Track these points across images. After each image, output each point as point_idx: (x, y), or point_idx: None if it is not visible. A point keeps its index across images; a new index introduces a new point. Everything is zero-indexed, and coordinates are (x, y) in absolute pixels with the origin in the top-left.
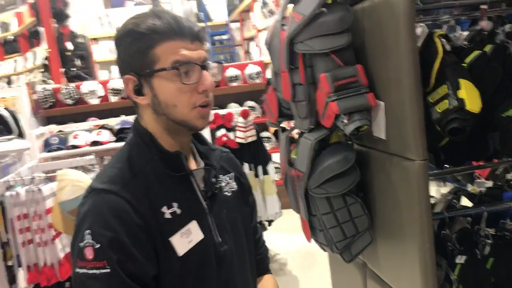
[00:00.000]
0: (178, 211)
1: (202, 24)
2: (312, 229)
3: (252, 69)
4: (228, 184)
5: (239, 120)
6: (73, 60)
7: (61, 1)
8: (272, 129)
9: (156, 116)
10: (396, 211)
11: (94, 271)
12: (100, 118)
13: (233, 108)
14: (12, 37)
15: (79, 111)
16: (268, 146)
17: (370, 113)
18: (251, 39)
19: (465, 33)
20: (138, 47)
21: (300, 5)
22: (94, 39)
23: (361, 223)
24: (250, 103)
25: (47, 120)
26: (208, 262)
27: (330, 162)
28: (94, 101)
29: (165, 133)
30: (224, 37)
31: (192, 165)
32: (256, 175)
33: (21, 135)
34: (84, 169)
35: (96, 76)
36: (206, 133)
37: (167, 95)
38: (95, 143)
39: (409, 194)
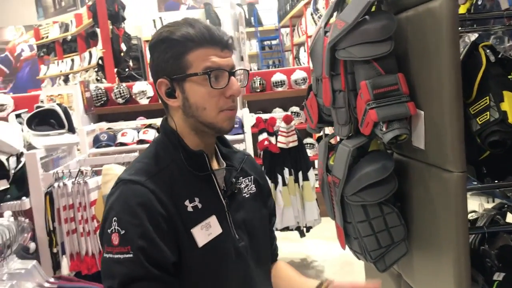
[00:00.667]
0: (199, 205)
1: (252, 29)
2: (347, 237)
3: (298, 74)
4: (247, 186)
5: (281, 125)
6: (126, 61)
7: (118, 4)
8: (316, 135)
9: (185, 118)
10: (432, 223)
11: (119, 255)
12: (148, 118)
13: (277, 113)
14: (70, 37)
15: (129, 110)
16: (311, 152)
17: (410, 122)
18: (300, 44)
19: None
20: (172, 53)
21: (344, 13)
22: (148, 41)
23: (397, 233)
24: (295, 108)
25: (98, 118)
26: (227, 255)
27: (368, 170)
28: (144, 101)
29: (192, 134)
30: (274, 42)
31: (215, 165)
32: (296, 181)
33: (71, 130)
34: (128, 165)
35: (148, 77)
36: (248, 136)
37: (198, 98)
38: (141, 141)
39: (446, 206)
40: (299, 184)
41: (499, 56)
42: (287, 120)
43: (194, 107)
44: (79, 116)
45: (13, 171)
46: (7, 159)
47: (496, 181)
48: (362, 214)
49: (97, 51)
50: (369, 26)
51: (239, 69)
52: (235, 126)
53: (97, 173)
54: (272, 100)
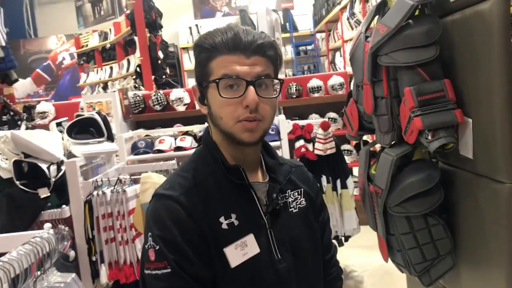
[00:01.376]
0: (236, 222)
1: (287, 35)
2: (389, 249)
3: (335, 80)
4: (296, 200)
5: (318, 132)
6: (163, 68)
7: (155, 12)
8: (354, 142)
9: (213, 126)
10: (482, 237)
11: (157, 271)
12: (185, 125)
13: (314, 119)
14: (109, 45)
15: (166, 117)
16: (348, 159)
17: (456, 130)
18: (336, 49)
19: None
20: (200, 59)
21: (386, 17)
22: (184, 48)
23: (442, 246)
24: (332, 114)
25: (136, 125)
26: (264, 277)
27: (412, 180)
28: (181, 108)
29: (224, 144)
30: (309, 47)
31: (258, 178)
32: (334, 189)
33: (110, 138)
34: (167, 173)
35: (184, 84)
36: (284, 143)
37: (215, 106)
38: (178, 149)
39: (497, 219)
40: (337, 192)
41: None
42: (325, 126)
43: (214, 115)
44: (118, 123)
45: (53, 180)
46: (48, 168)
47: None
48: (406, 226)
49: (135, 58)
50: (413, 30)
51: (264, 78)
52: (271, 132)
53: (135, 181)
54: (308, 106)
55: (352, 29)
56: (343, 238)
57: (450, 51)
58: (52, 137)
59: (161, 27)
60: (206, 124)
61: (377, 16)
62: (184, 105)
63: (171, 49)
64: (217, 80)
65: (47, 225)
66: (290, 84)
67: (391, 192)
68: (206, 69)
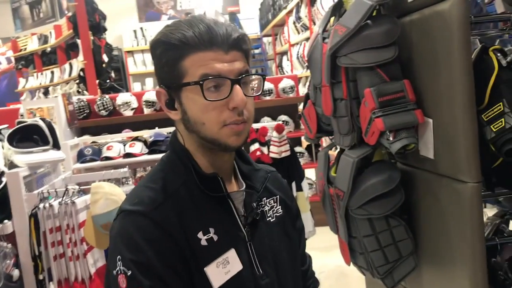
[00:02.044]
0: (215, 237)
1: None
2: (351, 252)
3: (286, 83)
4: (272, 208)
5: (273, 135)
6: (108, 72)
7: (99, 14)
8: (305, 144)
9: (188, 133)
10: (444, 236)
11: None
12: (134, 130)
13: (266, 122)
14: (49, 49)
15: (113, 123)
16: (301, 161)
17: (416, 130)
18: (283, 53)
19: None
20: (167, 58)
21: (344, 18)
22: (129, 51)
23: (404, 247)
24: (284, 117)
25: (81, 131)
26: None
27: (373, 182)
28: (128, 112)
29: (200, 151)
30: (257, 51)
31: (233, 187)
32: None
33: (56, 145)
34: (118, 181)
35: (130, 88)
36: None
37: (195, 112)
38: (128, 155)
39: (460, 219)
40: (293, 195)
41: (507, 60)
42: (279, 129)
43: (193, 121)
44: (62, 129)
45: None
46: None
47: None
48: (368, 228)
49: (78, 62)
50: (371, 31)
51: (248, 75)
52: None
53: (85, 191)
54: (260, 109)
55: (299, 33)
56: None
57: (408, 52)
58: None
59: (105, 29)
60: (156, 129)
61: (333, 17)
62: (132, 109)
63: (115, 52)
64: (201, 82)
65: None
66: None
67: (352, 194)
68: (176, 69)
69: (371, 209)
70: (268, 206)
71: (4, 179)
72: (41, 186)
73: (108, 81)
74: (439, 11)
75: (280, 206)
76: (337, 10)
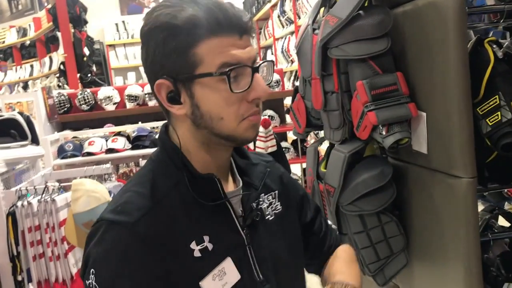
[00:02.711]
0: (210, 246)
1: None
2: None
3: None
4: (270, 205)
5: (259, 130)
6: (89, 66)
7: (79, 6)
8: (291, 139)
9: (195, 129)
10: (437, 232)
11: None
12: (116, 125)
13: None
14: (29, 42)
15: (95, 117)
16: (287, 157)
17: (409, 124)
18: (268, 47)
19: None
20: (175, 45)
21: (335, 8)
22: (111, 45)
23: (396, 243)
24: (269, 112)
25: (62, 126)
26: None
27: (365, 177)
28: (110, 107)
29: (202, 149)
30: None
31: (229, 185)
32: None
33: (35, 141)
34: (101, 178)
35: (112, 82)
36: None
37: (212, 106)
38: (110, 151)
39: (454, 214)
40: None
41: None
42: (266, 124)
43: (208, 117)
44: (41, 124)
45: None
46: None
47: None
48: (359, 225)
49: (58, 56)
50: (363, 22)
51: (263, 62)
52: None
53: (65, 188)
54: None
55: (283, 27)
56: None
57: (401, 43)
58: None
59: (86, 22)
60: (140, 124)
61: (323, 8)
62: (114, 104)
63: (96, 46)
64: (228, 72)
65: None
66: None
67: (343, 190)
68: (187, 57)
69: (362, 205)
70: (266, 203)
71: None
72: (20, 183)
73: (89, 75)
74: (434, 2)
75: (279, 202)
76: (327, 1)
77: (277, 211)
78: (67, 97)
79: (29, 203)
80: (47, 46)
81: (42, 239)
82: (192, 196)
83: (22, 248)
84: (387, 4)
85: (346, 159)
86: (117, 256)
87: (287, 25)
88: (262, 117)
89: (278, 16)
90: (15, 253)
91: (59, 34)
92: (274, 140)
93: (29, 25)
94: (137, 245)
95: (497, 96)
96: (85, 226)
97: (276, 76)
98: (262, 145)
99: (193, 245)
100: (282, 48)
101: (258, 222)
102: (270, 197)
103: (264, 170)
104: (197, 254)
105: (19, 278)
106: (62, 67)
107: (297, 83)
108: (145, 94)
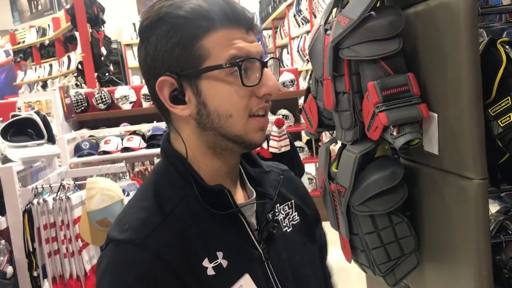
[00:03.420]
0: (224, 263)
1: None
2: (352, 249)
3: (286, 76)
4: (287, 216)
5: (273, 129)
6: (106, 65)
7: (97, 6)
8: (305, 138)
9: (200, 132)
10: (448, 234)
11: None
12: (132, 124)
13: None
14: (48, 42)
15: (111, 116)
16: (301, 156)
17: (420, 125)
18: (284, 46)
19: None
20: (180, 37)
21: (347, 9)
22: (128, 45)
23: (407, 244)
24: (284, 111)
25: (79, 125)
26: None
27: (376, 178)
28: (126, 106)
29: (209, 155)
30: None
31: (240, 196)
32: None
33: (51, 140)
34: (115, 176)
35: (129, 81)
36: None
37: (221, 102)
38: (126, 149)
39: (465, 216)
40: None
41: None
42: (279, 123)
43: (215, 115)
44: (59, 123)
45: None
46: None
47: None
48: (370, 225)
49: (76, 55)
50: (375, 22)
51: (271, 58)
52: None
53: (80, 186)
54: None
55: (299, 26)
56: None
57: (413, 44)
58: None
59: (103, 22)
60: (155, 123)
61: (335, 9)
62: (130, 103)
63: (114, 45)
64: (240, 63)
65: None
66: None
67: (354, 190)
68: (193, 50)
69: (373, 205)
70: (282, 214)
71: None
72: (36, 180)
73: (107, 74)
74: (445, 2)
75: (296, 213)
76: (340, 1)
77: (294, 222)
78: (84, 96)
79: (45, 201)
80: (65, 46)
81: (57, 236)
82: (202, 209)
83: (37, 245)
84: (399, 5)
85: (357, 159)
86: (131, 277)
87: (303, 24)
88: (276, 117)
89: (294, 15)
90: (31, 250)
91: (77, 34)
92: (288, 140)
93: (48, 25)
94: (150, 261)
95: (509, 97)
96: (99, 223)
97: (291, 76)
98: (276, 145)
99: (205, 263)
100: (298, 47)
101: (275, 234)
102: (287, 207)
103: (278, 178)
104: (210, 272)
105: (35, 274)
106: (80, 66)
107: (309, 84)
108: None
